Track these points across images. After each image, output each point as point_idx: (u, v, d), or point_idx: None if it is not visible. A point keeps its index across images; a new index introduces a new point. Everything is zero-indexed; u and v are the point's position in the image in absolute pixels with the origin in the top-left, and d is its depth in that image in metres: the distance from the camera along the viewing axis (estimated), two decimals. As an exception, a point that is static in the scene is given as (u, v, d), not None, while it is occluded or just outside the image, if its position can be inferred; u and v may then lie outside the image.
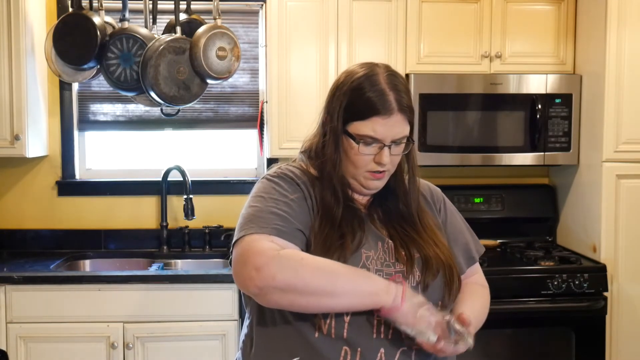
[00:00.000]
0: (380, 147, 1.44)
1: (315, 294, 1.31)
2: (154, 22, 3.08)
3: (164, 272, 3.11)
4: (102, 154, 3.58)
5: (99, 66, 2.97)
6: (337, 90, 1.49)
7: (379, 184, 1.51)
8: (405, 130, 1.46)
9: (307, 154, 1.55)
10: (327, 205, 1.45)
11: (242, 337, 1.54)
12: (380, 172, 1.47)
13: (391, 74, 1.48)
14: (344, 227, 1.43)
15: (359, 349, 1.38)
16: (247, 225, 1.39)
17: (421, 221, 1.52)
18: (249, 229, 1.38)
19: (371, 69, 1.48)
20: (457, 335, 1.35)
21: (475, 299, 1.55)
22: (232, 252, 1.41)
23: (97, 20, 2.88)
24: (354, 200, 1.52)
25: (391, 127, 1.43)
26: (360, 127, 1.44)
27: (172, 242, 3.44)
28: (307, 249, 1.41)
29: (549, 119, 3.21)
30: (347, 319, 1.38)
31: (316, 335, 1.39)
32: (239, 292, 2.88)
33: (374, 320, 1.39)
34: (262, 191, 1.46)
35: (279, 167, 1.53)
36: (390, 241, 1.48)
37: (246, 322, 1.53)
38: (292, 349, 1.40)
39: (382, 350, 1.39)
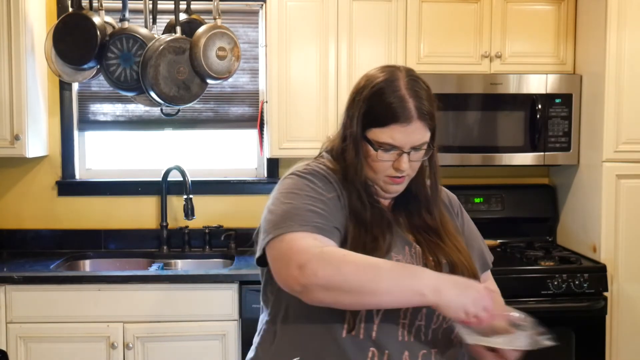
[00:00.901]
0: (399, 154, 1.43)
1: (358, 291, 1.27)
2: (154, 22, 3.07)
3: (164, 272, 3.11)
4: (102, 154, 3.57)
5: (99, 66, 2.97)
6: (357, 94, 1.47)
7: (398, 188, 1.50)
8: (425, 137, 1.44)
9: (330, 154, 1.54)
10: (355, 208, 1.44)
11: (261, 332, 1.52)
12: (400, 177, 1.46)
13: (412, 79, 1.45)
14: (374, 229, 1.42)
15: (386, 351, 1.37)
16: (285, 222, 1.35)
17: (444, 227, 1.51)
18: (287, 226, 1.34)
19: (392, 73, 1.45)
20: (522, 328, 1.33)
21: None
22: (264, 248, 1.37)
23: (97, 20, 2.88)
24: (379, 202, 1.50)
25: (410, 134, 1.41)
26: (379, 134, 1.42)
27: (172, 242, 3.44)
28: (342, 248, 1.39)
29: (549, 119, 3.21)
30: (376, 320, 1.38)
31: (344, 335, 1.38)
32: (240, 292, 2.88)
33: (399, 321, 1.38)
34: (295, 188, 1.42)
35: (308, 164, 1.50)
36: (417, 246, 1.47)
37: (265, 318, 1.52)
38: (318, 348, 1.39)
39: (406, 352, 1.39)
